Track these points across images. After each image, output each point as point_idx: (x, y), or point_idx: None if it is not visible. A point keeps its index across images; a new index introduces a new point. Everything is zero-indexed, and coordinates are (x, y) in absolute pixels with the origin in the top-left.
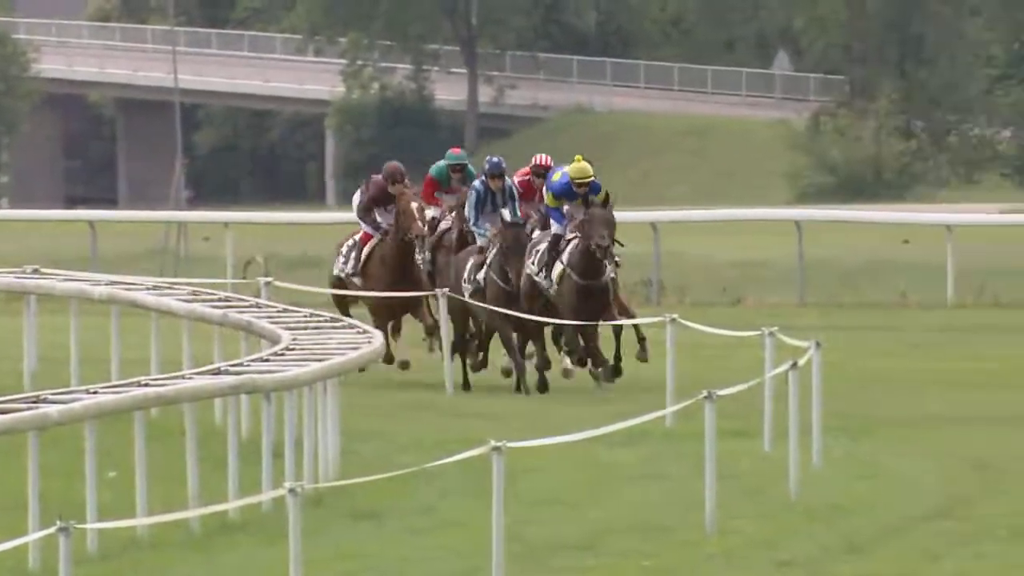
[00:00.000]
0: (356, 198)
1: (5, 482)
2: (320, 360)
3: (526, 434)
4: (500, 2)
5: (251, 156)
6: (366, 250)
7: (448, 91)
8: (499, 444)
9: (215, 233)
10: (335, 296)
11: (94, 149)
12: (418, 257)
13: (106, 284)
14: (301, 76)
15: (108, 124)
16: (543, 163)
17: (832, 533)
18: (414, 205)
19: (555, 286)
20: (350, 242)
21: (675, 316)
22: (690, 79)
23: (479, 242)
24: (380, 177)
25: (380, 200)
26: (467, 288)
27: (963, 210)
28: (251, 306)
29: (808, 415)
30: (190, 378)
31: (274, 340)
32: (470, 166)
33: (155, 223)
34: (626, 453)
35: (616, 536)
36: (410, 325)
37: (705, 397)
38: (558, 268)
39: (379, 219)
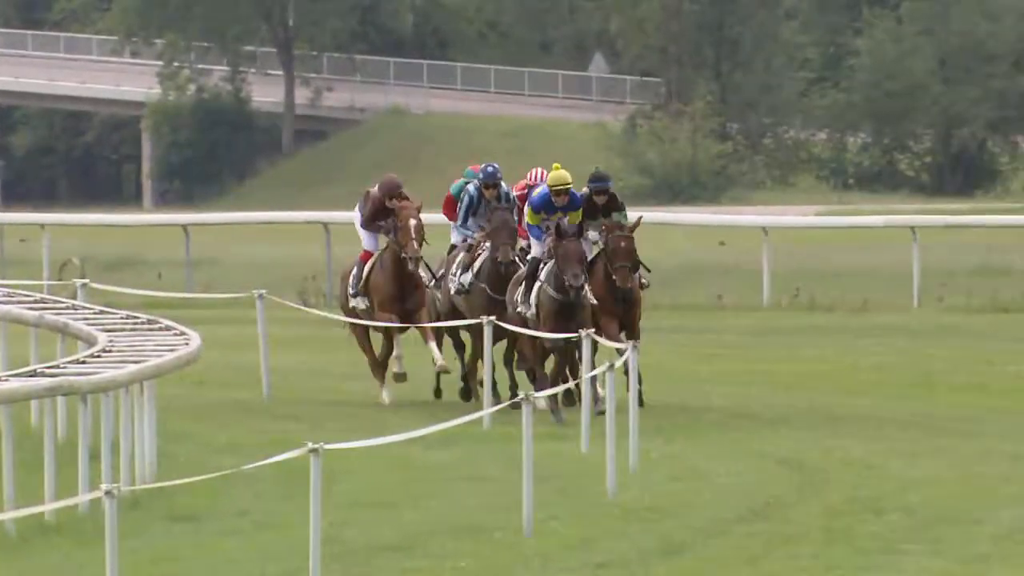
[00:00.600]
0: (356, 215)
1: None
2: (137, 362)
3: (343, 436)
4: (317, 4)
5: (67, 158)
6: (367, 266)
7: (265, 93)
8: (316, 446)
9: (31, 235)
10: (354, 328)
11: None
12: (423, 275)
13: None
14: (118, 78)
15: None
16: (537, 180)
17: (649, 534)
18: (413, 222)
19: (532, 309)
20: (355, 271)
21: (492, 319)
22: (507, 81)
23: (468, 241)
24: (376, 191)
25: (379, 215)
26: (451, 285)
27: (778, 212)
28: (67, 308)
29: (625, 417)
30: (6, 380)
31: (91, 342)
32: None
33: None
34: (444, 455)
35: (434, 538)
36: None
37: (522, 399)
38: (535, 289)
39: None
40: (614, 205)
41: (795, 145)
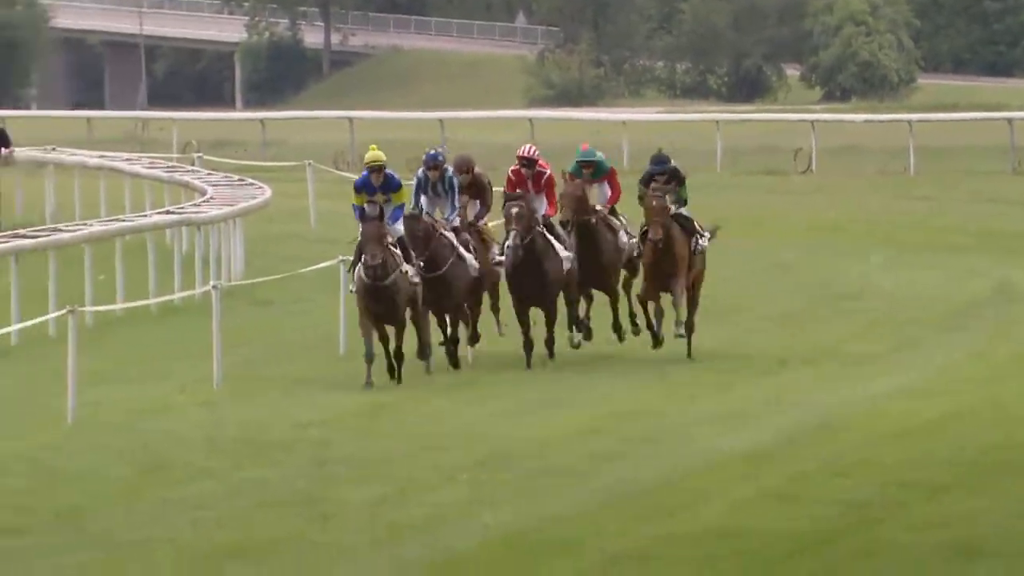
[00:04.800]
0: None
1: None
2: (231, 205)
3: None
4: None
5: (188, 77)
6: None
7: (312, 37)
8: (345, 258)
9: (166, 126)
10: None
11: None
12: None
13: None
14: (221, 26)
15: None
16: (527, 154)
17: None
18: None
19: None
20: None
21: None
22: (464, 30)
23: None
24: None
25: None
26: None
27: (634, 112)
28: (188, 171)
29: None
30: (150, 216)
31: (203, 192)
32: (602, 159)
33: None
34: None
35: None
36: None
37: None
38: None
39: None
40: (676, 181)
41: (643, 70)
